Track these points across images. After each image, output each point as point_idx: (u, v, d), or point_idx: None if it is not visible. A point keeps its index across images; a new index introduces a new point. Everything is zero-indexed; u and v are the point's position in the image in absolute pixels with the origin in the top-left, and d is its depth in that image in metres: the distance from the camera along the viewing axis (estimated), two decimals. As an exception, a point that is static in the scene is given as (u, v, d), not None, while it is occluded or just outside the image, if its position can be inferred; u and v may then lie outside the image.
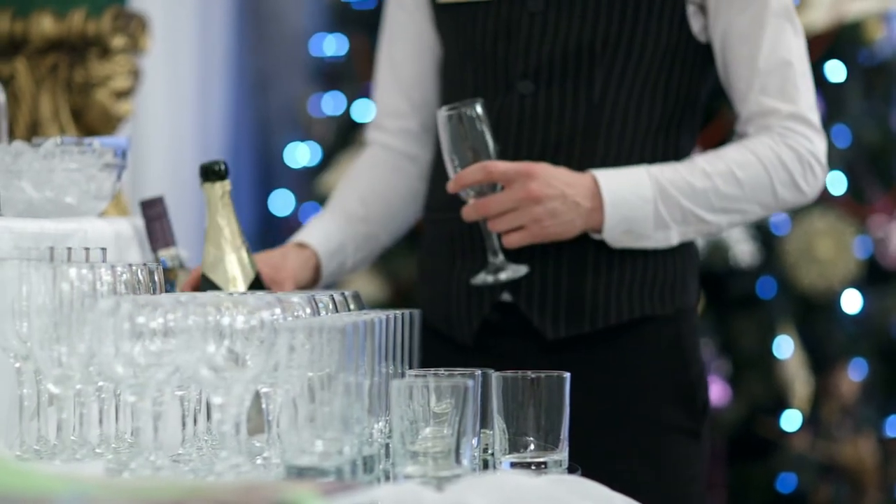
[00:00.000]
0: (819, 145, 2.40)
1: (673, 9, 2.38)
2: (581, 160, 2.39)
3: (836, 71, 4.54)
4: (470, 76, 2.46)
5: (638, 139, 2.40)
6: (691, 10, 2.40)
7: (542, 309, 2.41)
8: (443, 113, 2.31)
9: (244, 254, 2.24)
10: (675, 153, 2.43)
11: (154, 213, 2.40)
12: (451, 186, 2.30)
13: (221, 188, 2.23)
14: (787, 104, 2.37)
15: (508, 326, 2.44)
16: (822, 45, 4.51)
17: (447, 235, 2.48)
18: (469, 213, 2.31)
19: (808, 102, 2.39)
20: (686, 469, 2.45)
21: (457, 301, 2.47)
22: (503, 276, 2.32)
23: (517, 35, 2.42)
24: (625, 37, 2.38)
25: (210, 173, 2.23)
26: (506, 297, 2.43)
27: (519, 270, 2.33)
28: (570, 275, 2.40)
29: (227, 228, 2.24)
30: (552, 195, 2.28)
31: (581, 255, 2.38)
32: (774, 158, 2.36)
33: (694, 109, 2.46)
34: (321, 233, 2.51)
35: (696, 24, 2.40)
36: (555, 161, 2.37)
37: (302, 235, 2.51)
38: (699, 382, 2.47)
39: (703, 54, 2.43)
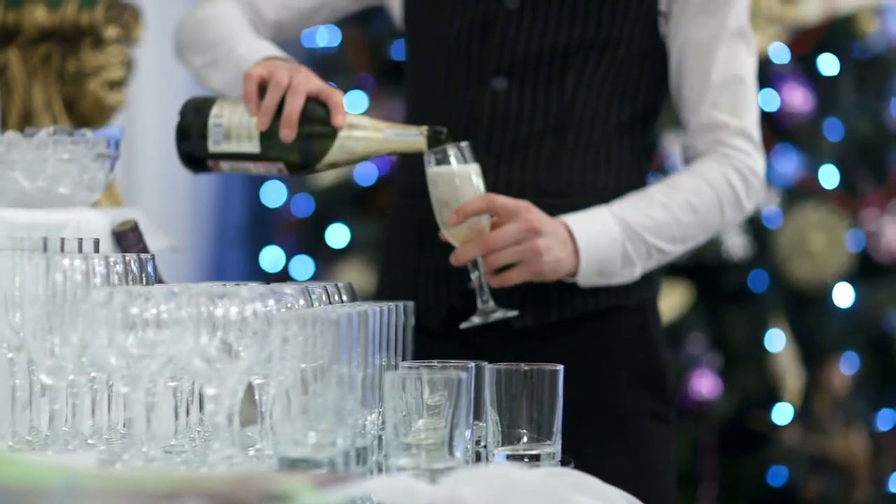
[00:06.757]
0: (760, 162, 2.47)
1: (646, 15, 2.43)
2: (551, 157, 2.43)
3: (828, 64, 4.55)
4: (442, 68, 2.47)
5: (605, 138, 2.45)
6: (661, 18, 2.45)
7: (510, 298, 2.42)
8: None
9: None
10: (640, 153, 2.50)
11: (129, 244, 2.33)
12: (452, 219, 2.26)
13: None
14: (736, 119, 2.45)
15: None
16: (815, 39, 4.51)
17: (416, 221, 2.48)
18: (471, 250, 2.26)
19: (754, 119, 2.47)
20: (659, 453, 2.51)
21: (425, 287, 2.49)
22: (493, 317, 2.29)
23: (493, 31, 2.43)
24: (599, 40, 2.41)
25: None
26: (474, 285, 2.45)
27: (508, 313, 2.29)
28: None
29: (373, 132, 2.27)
30: (549, 230, 2.29)
31: None
32: (724, 182, 2.42)
33: (657, 111, 2.52)
34: (276, 48, 2.44)
35: (662, 30, 2.46)
36: (524, 157, 2.42)
37: (270, 52, 2.39)
38: (667, 369, 2.54)
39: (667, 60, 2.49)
